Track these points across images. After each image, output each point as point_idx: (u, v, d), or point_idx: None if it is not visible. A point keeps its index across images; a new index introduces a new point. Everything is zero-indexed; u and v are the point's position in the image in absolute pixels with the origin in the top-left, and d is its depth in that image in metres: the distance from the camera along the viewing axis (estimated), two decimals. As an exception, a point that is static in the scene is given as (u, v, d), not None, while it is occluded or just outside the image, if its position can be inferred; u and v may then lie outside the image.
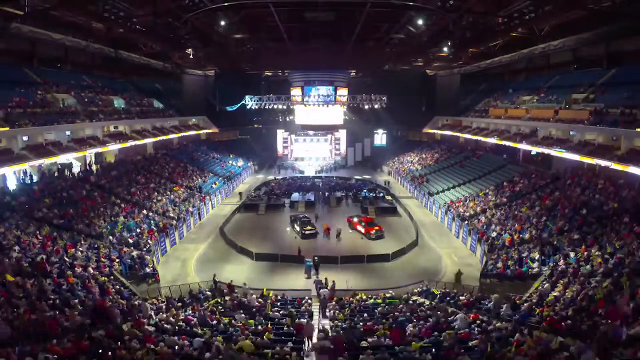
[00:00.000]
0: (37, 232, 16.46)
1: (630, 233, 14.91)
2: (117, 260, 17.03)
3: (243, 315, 12.90)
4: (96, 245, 17.48)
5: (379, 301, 14.98)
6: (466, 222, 23.56)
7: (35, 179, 22.43)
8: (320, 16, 28.84)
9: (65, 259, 14.75)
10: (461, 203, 27.11)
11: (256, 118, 49.42)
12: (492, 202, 24.48)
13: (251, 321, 12.23)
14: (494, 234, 20.65)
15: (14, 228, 15.86)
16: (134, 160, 30.97)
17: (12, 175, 20.99)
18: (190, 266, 20.23)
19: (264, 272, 19.63)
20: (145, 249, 19.30)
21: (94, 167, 27.29)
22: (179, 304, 14.16)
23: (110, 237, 18.99)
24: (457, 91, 44.97)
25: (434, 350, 9.25)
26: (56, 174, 24.20)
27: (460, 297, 14.59)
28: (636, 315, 8.82)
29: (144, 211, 23.55)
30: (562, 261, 15.12)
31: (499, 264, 17.42)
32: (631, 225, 15.48)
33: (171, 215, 24.36)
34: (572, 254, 15.29)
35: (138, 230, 20.88)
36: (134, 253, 18.35)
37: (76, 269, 13.89)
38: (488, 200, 25.05)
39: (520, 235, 19.29)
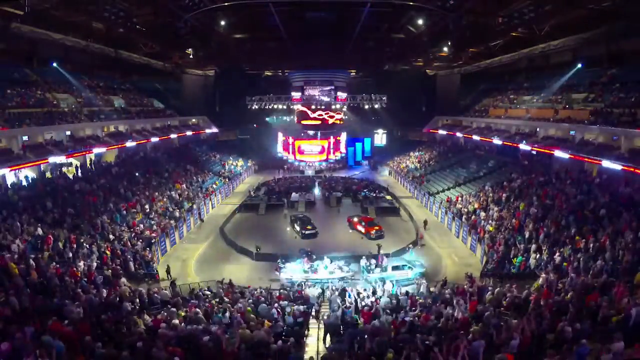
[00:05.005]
0: (38, 231, 16.42)
1: (628, 229, 14.93)
2: (120, 258, 17.05)
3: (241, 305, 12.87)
4: (97, 245, 17.44)
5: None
6: (464, 218, 23.59)
7: (34, 178, 22.40)
8: (320, 16, 28.89)
9: (66, 256, 14.76)
10: (459, 199, 27.21)
11: (256, 118, 49.33)
12: (491, 201, 24.48)
13: (249, 309, 12.24)
14: (491, 230, 20.77)
15: (15, 226, 15.82)
16: (134, 160, 30.95)
17: (12, 174, 20.97)
18: (190, 266, 20.22)
19: (264, 272, 19.62)
20: (148, 249, 19.30)
21: (94, 167, 27.25)
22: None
23: (111, 236, 18.96)
24: (457, 91, 45.04)
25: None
26: (57, 173, 24.15)
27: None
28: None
29: (145, 211, 23.51)
30: (560, 258, 15.15)
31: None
32: (629, 222, 15.50)
33: (171, 214, 24.32)
34: (571, 253, 15.30)
35: (139, 230, 20.86)
36: (136, 253, 18.32)
37: (77, 267, 13.89)
38: (487, 199, 25.04)
39: (519, 234, 19.29)
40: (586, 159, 21.78)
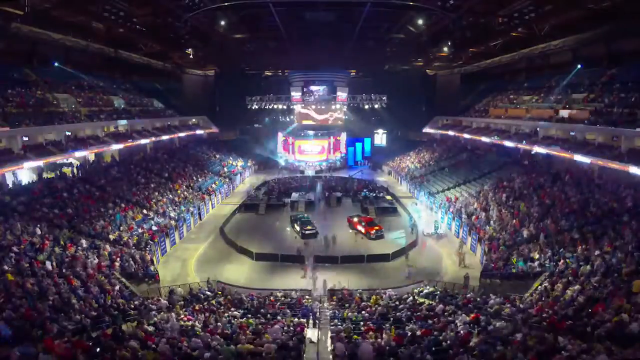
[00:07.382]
0: (37, 231, 16.43)
1: (630, 232, 14.91)
2: (118, 260, 17.03)
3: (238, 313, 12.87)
4: (96, 245, 17.45)
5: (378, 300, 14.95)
6: (464, 218, 23.58)
7: (34, 178, 22.40)
8: (320, 16, 28.86)
9: (65, 258, 14.75)
10: (459, 199, 27.16)
11: (256, 118, 49.35)
12: (491, 201, 24.48)
13: (251, 320, 12.21)
14: (490, 231, 20.75)
15: (14, 228, 15.83)
16: (134, 160, 30.94)
17: (10, 175, 20.96)
18: (191, 266, 20.22)
19: (264, 272, 19.63)
20: (147, 249, 19.30)
21: (93, 167, 27.23)
22: (181, 302, 14.14)
23: (111, 236, 18.97)
24: (457, 91, 44.99)
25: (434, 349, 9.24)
26: (57, 173, 24.14)
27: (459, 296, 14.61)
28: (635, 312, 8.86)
29: (144, 211, 23.52)
30: (561, 261, 15.12)
31: (499, 263, 17.47)
32: (630, 224, 15.48)
33: (171, 215, 24.33)
34: (571, 254, 15.28)
35: (140, 230, 20.86)
36: (135, 253, 18.31)
37: (77, 268, 13.90)
38: (487, 199, 25.04)
39: (520, 234, 19.28)
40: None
